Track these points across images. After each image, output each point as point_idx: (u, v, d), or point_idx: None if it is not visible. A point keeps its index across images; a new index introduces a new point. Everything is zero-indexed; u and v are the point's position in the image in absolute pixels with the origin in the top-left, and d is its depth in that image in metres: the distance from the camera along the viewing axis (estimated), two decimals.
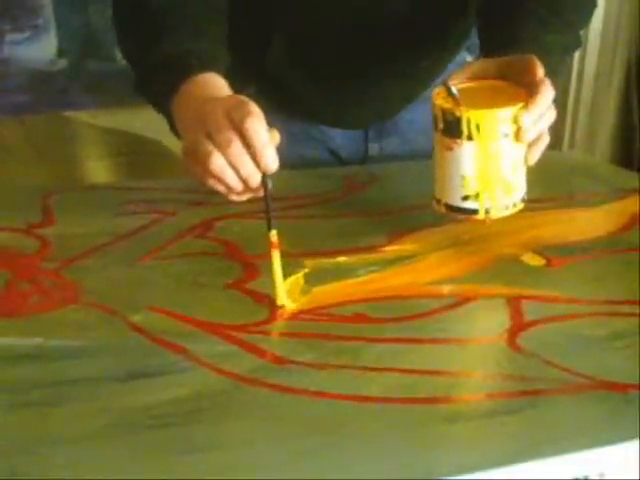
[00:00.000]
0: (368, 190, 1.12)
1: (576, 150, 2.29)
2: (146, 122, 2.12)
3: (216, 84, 0.87)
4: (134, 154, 2.16)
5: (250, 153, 0.80)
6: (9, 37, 2.13)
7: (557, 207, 1.05)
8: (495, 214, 0.88)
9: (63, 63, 2.18)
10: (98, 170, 2.15)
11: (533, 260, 0.92)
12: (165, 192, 1.09)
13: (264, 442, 0.62)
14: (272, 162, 0.81)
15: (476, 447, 0.62)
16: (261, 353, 0.73)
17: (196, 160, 0.81)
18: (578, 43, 1.05)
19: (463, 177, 0.86)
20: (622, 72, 2.41)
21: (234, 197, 0.86)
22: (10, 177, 1.98)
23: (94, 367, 0.71)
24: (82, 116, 2.18)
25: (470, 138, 0.84)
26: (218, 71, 0.88)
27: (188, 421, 0.64)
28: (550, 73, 0.87)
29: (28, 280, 0.86)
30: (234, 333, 0.76)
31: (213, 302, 0.82)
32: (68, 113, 2.19)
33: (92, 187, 1.31)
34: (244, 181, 0.82)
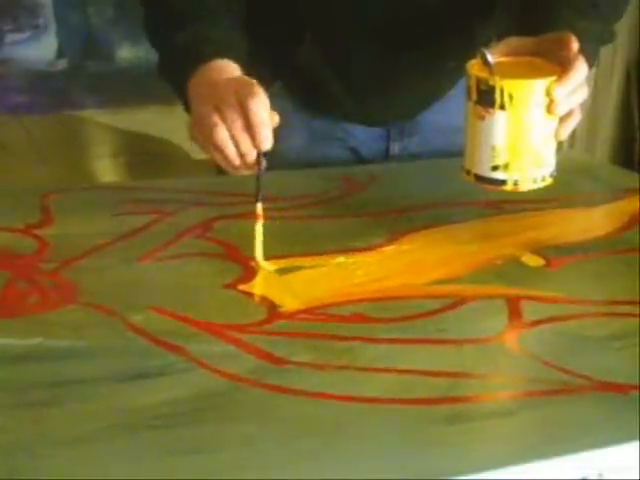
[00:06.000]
0: (368, 190, 1.12)
1: (576, 150, 2.29)
2: (146, 122, 2.12)
3: (228, 69, 0.93)
4: (134, 154, 2.16)
5: (248, 131, 0.85)
6: (9, 37, 2.12)
7: (557, 207, 1.05)
8: (523, 186, 0.88)
9: (63, 63, 2.18)
10: (98, 170, 2.15)
11: (532, 260, 0.92)
12: (164, 192, 1.09)
13: (263, 442, 0.62)
14: (266, 140, 0.86)
15: (475, 448, 0.62)
16: (260, 353, 0.73)
17: (201, 130, 0.88)
18: (612, 36, 1.06)
19: (493, 147, 0.87)
20: (622, 72, 2.41)
21: (231, 170, 0.90)
22: (10, 177, 1.97)
23: (93, 367, 0.71)
24: (82, 116, 2.18)
25: (503, 108, 0.85)
26: (233, 58, 0.94)
27: (187, 422, 0.64)
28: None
29: (27, 280, 0.86)
30: (233, 333, 0.76)
31: (212, 303, 0.82)
32: (68, 113, 2.18)
33: (91, 187, 1.31)
34: (242, 156, 0.87)
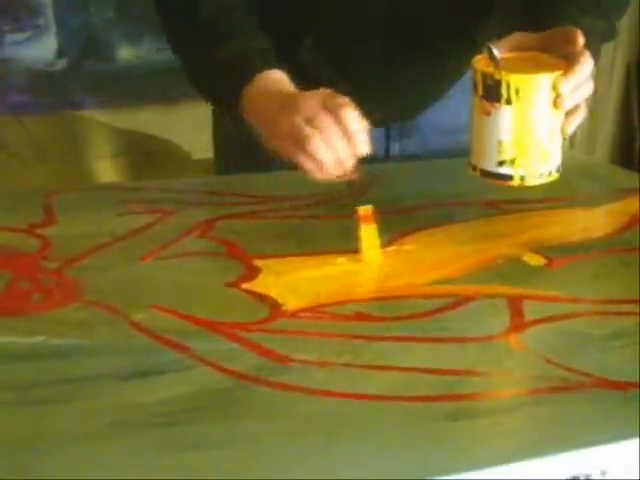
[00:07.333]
0: (368, 190, 1.12)
1: (576, 150, 2.29)
2: (146, 122, 2.12)
3: (281, 78, 0.97)
4: (134, 154, 2.16)
5: (345, 138, 0.87)
6: (9, 37, 2.12)
7: (557, 207, 1.05)
8: (530, 181, 0.88)
9: (63, 63, 2.18)
10: (98, 170, 2.15)
11: (534, 260, 0.92)
12: (166, 192, 1.09)
13: (266, 440, 0.62)
14: (365, 145, 0.88)
15: (476, 446, 0.63)
16: (263, 351, 0.73)
17: (294, 140, 0.89)
18: (613, 33, 1.07)
19: (500, 142, 0.87)
20: (622, 72, 2.41)
21: (321, 175, 0.90)
22: (10, 177, 1.98)
23: (96, 366, 0.71)
24: (82, 116, 2.18)
25: (509, 102, 0.85)
26: (277, 66, 0.98)
27: (190, 419, 0.64)
28: None
29: (30, 279, 0.86)
30: (236, 331, 0.76)
31: (215, 301, 0.82)
32: (68, 113, 2.18)
33: (94, 187, 1.31)
34: (339, 162, 0.88)
